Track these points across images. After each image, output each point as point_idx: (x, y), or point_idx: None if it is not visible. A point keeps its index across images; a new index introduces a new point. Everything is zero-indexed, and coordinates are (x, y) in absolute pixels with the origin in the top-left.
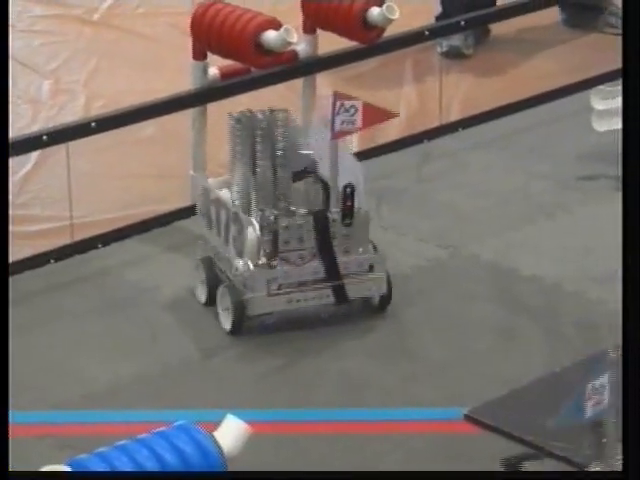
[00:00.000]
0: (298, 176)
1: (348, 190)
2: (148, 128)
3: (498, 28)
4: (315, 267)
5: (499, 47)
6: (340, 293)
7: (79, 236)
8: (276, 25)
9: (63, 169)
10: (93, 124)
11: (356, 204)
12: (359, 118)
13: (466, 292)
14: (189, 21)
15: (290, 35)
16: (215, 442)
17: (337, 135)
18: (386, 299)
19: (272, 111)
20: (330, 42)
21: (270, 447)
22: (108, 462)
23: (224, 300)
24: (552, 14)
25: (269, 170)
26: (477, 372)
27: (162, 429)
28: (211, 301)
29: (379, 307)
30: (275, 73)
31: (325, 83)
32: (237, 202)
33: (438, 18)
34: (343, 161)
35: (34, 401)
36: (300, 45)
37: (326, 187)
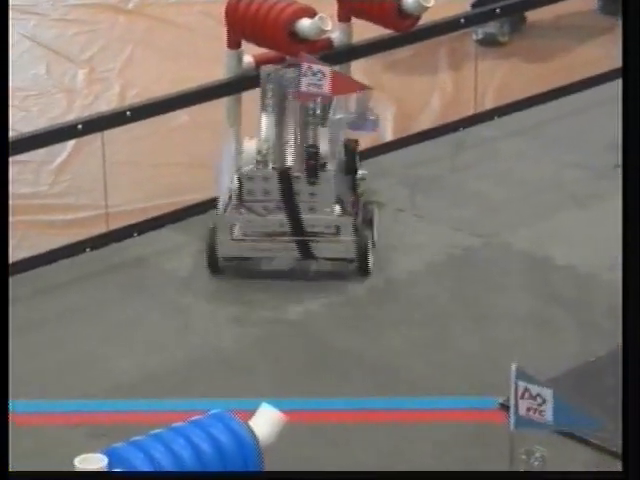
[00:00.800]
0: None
1: (311, 150)
2: (181, 117)
3: (534, 15)
4: (280, 220)
5: (535, 34)
6: (305, 249)
7: (114, 225)
8: (310, 13)
9: (98, 158)
10: (128, 113)
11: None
12: (327, 84)
13: (498, 281)
14: (223, 10)
15: (325, 23)
16: (250, 431)
17: (302, 96)
18: (361, 266)
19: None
20: (364, 30)
21: (303, 435)
22: (144, 451)
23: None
24: (589, 1)
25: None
26: (509, 362)
27: (197, 418)
28: None
29: (356, 272)
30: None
31: (360, 70)
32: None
33: (474, 5)
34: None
35: (68, 389)
36: (335, 33)
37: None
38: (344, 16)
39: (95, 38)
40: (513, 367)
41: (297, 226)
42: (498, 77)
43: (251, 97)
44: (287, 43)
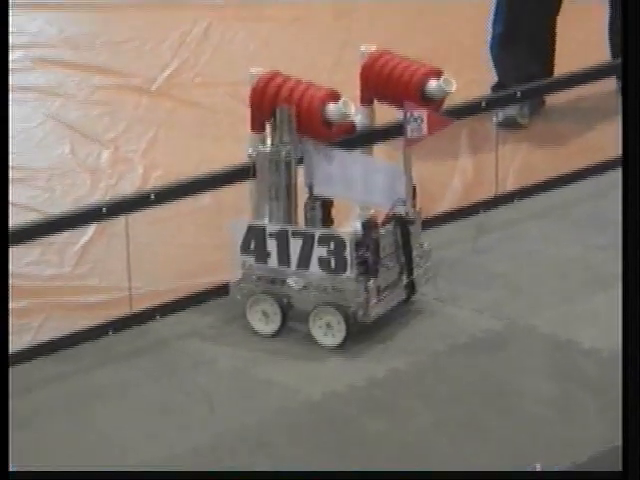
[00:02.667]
0: None
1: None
2: (205, 198)
3: (553, 97)
4: (397, 268)
5: (554, 117)
6: (412, 288)
7: (137, 307)
8: (336, 98)
9: (122, 239)
10: (152, 196)
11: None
12: (425, 126)
13: (522, 364)
14: (247, 91)
15: (348, 107)
16: None
17: (409, 143)
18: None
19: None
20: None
21: None
22: None
23: (323, 317)
24: (608, 82)
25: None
26: (530, 442)
27: None
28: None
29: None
30: (335, 144)
31: (379, 152)
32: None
33: (494, 88)
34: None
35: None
36: (357, 116)
37: (325, 204)
38: (367, 99)
39: (119, 118)
40: (538, 467)
41: (411, 266)
42: (518, 159)
43: None
44: (318, 127)
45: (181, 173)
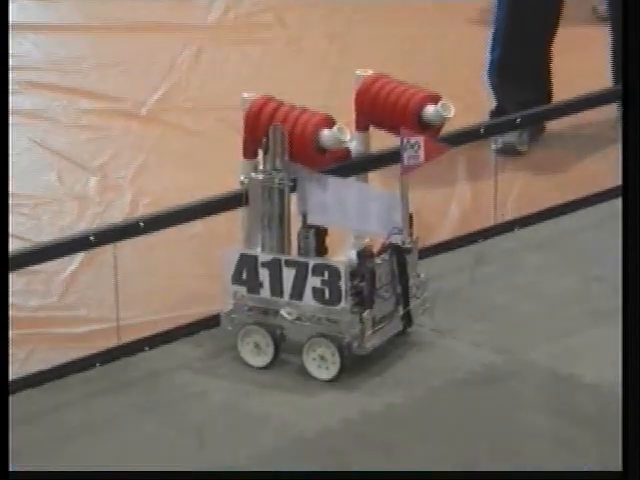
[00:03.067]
0: None
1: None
2: (195, 226)
3: (553, 124)
4: (393, 298)
5: (554, 144)
6: (409, 319)
7: (126, 338)
8: (330, 124)
9: (110, 268)
10: (141, 224)
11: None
12: (421, 153)
13: (521, 399)
14: (239, 117)
15: (343, 133)
16: None
17: (405, 170)
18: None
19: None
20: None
21: None
22: None
23: (317, 350)
24: (609, 109)
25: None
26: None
27: None
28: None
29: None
30: (329, 171)
31: (374, 180)
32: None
33: (493, 113)
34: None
35: None
36: (352, 142)
37: (319, 233)
38: (362, 125)
39: (107, 144)
40: None
41: (407, 297)
42: (517, 187)
43: None
44: (312, 155)
45: (171, 200)
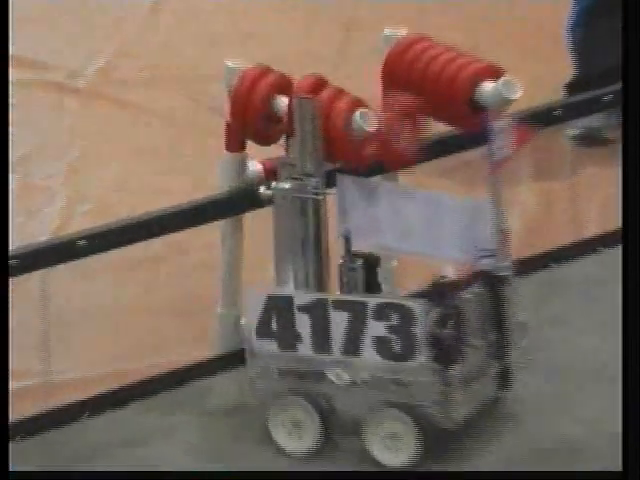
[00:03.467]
0: None
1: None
2: (153, 244)
3: None
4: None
5: None
6: (506, 378)
7: (57, 400)
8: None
9: (37, 302)
10: (80, 242)
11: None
12: (511, 141)
13: None
14: (213, 89)
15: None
16: None
17: (496, 165)
18: None
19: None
20: None
21: None
22: None
23: (385, 425)
24: None
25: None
26: None
27: None
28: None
29: None
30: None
31: (408, 178)
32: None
33: (570, 87)
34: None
35: None
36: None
37: (369, 262)
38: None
39: (31, 129)
40: None
41: (506, 345)
42: (603, 190)
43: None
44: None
45: (119, 208)
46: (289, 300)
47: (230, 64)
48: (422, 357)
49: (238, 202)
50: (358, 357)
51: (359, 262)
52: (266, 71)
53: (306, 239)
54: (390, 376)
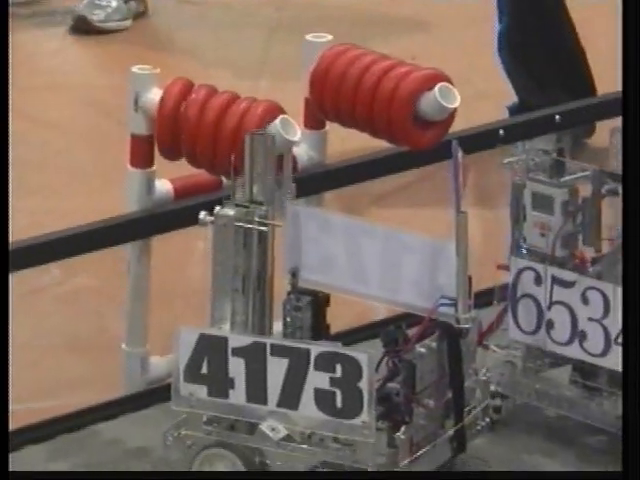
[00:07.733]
0: None
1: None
2: (52, 270)
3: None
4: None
5: (603, 153)
6: (462, 439)
7: None
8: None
9: None
10: None
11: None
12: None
13: None
14: (119, 99)
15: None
16: None
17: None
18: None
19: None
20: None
21: None
22: None
23: None
24: None
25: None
26: None
27: None
28: None
29: None
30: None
31: (338, 204)
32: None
33: (512, 110)
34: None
35: None
36: (301, 147)
37: (317, 301)
38: (315, 121)
39: None
40: None
41: (462, 405)
42: None
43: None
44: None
45: (19, 231)
46: (223, 341)
47: (135, 70)
48: (368, 414)
49: (145, 223)
50: (296, 410)
51: (306, 300)
52: (186, 84)
53: (248, 274)
54: (330, 433)
